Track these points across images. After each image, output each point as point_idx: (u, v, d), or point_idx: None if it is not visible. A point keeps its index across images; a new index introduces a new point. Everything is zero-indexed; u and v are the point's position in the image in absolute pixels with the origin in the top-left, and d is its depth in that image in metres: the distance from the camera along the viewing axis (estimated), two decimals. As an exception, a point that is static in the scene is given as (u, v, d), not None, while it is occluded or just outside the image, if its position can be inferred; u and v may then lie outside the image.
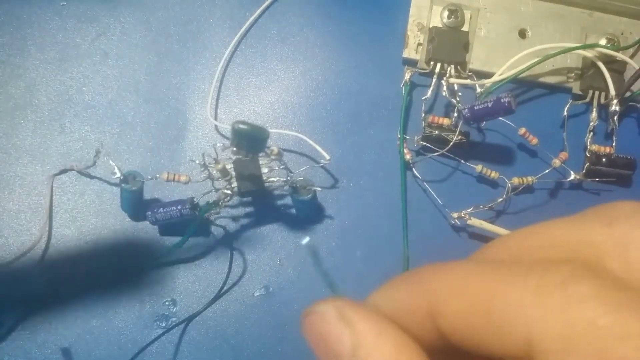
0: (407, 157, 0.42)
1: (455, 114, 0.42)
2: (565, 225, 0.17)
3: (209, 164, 0.39)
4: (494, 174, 0.42)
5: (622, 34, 0.45)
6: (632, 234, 0.15)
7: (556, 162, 0.42)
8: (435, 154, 0.42)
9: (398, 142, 0.43)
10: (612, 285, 0.13)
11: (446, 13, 0.44)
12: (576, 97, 0.45)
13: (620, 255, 0.15)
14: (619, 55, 0.43)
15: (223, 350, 0.40)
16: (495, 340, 0.15)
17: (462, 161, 0.43)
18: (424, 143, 0.43)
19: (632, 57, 0.44)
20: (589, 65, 0.44)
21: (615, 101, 0.42)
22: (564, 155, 0.42)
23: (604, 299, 0.13)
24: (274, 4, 0.45)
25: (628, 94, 0.44)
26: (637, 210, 0.15)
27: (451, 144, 0.41)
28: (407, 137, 0.43)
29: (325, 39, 0.45)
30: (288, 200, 0.42)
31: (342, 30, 0.45)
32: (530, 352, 0.14)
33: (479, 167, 0.42)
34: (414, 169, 0.43)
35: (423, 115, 0.43)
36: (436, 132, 0.42)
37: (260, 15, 0.45)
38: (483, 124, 0.44)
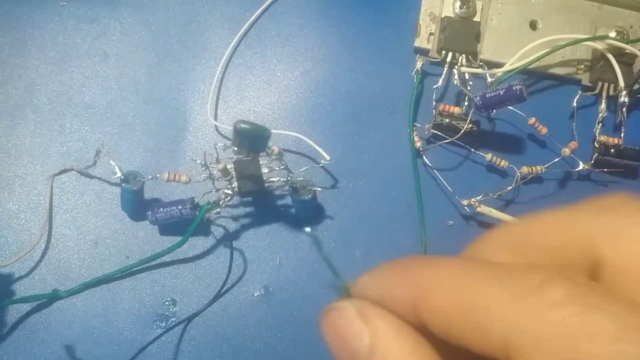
0: (418, 144, 0.43)
1: (466, 103, 0.42)
2: (560, 216, 0.17)
3: (210, 163, 0.39)
4: (503, 163, 0.42)
5: (631, 27, 0.45)
6: (621, 222, 0.16)
7: (566, 151, 0.42)
8: (445, 141, 0.42)
9: (408, 130, 0.43)
10: (584, 288, 0.14)
11: (458, 3, 0.44)
12: (585, 89, 0.45)
13: (611, 242, 0.16)
14: (629, 48, 0.43)
15: (223, 350, 0.39)
16: (475, 336, 0.15)
17: (472, 150, 0.43)
18: (434, 131, 0.42)
19: (641, 49, 0.43)
20: (599, 57, 0.44)
21: (624, 93, 0.42)
22: (573, 144, 0.42)
23: (574, 301, 0.14)
24: (274, 5, 0.45)
25: (637, 86, 0.44)
26: (627, 201, 0.16)
27: (462, 131, 0.41)
28: (418, 124, 0.43)
29: (325, 39, 0.45)
30: (288, 200, 0.42)
31: (342, 31, 0.45)
32: (507, 351, 0.14)
33: (488, 156, 0.42)
34: (424, 157, 0.43)
35: (434, 103, 0.43)
36: (447, 120, 0.42)
37: (260, 16, 0.45)
38: (493, 113, 0.44)
